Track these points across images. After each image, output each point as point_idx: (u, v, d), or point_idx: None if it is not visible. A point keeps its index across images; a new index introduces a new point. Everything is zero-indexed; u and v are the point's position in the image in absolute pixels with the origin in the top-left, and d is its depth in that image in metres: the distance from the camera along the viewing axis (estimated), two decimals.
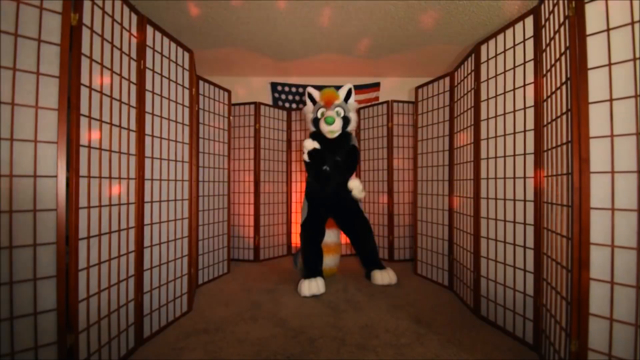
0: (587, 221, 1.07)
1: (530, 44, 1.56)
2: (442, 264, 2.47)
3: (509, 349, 1.54)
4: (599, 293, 1.05)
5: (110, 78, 1.37)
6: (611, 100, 1.04)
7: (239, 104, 3.26)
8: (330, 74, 3.79)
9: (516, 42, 1.64)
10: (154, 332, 1.67)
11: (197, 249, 2.43)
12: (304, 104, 3.88)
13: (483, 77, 1.86)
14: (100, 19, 1.31)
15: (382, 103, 3.31)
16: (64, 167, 1.14)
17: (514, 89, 1.64)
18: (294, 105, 3.89)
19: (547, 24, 1.40)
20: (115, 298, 1.40)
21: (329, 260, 2.55)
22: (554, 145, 1.34)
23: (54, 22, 1.13)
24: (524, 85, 1.58)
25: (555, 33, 1.32)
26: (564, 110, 1.23)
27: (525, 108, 1.57)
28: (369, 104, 3.50)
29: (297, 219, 3.50)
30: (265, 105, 3.30)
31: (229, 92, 2.87)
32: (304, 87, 3.89)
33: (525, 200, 1.57)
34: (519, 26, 1.63)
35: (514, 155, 1.63)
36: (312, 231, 2.45)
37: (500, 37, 1.75)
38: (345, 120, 2.47)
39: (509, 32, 1.69)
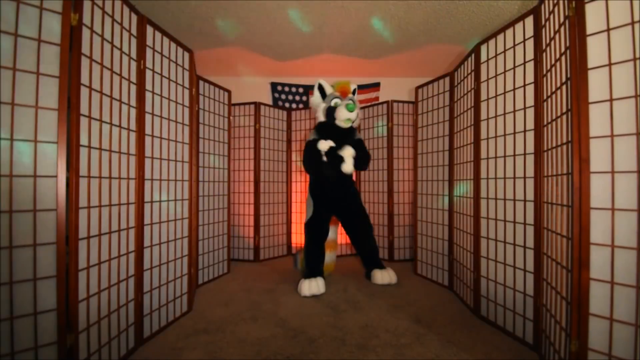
0: (587, 221, 1.07)
1: (530, 44, 1.56)
2: (442, 264, 2.47)
3: (509, 349, 1.54)
4: (599, 293, 1.05)
5: (110, 78, 1.37)
6: (611, 100, 1.04)
7: (239, 104, 3.26)
8: (330, 74, 3.79)
9: (516, 42, 1.64)
10: (154, 332, 1.67)
11: (197, 249, 2.43)
12: (304, 104, 3.90)
13: (483, 77, 1.86)
14: (100, 19, 1.31)
15: (382, 103, 3.31)
16: (64, 167, 1.14)
17: (514, 89, 1.64)
18: (294, 105, 3.89)
19: (547, 24, 1.40)
20: (115, 298, 1.40)
21: (327, 257, 2.55)
22: (554, 145, 1.34)
23: (54, 22, 1.13)
24: (524, 85, 1.58)
25: (555, 33, 1.32)
26: (564, 110, 1.23)
27: (525, 108, 1.57)
28: (369, 104, 3.50)
29: (297, 218, 3.50)
30: (265, 105, 3.30)
31: (229, 92, 2.87)
32: (304, 87, 3.90)
33: (525, 200, 1.57)
34: (519, 26, 1.63)
35: (514, 155, 1.63)
36: (317, 230, 2.44)
37: (500, 37, 1.75)
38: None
39: (509, 32, 1.69)
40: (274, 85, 3.87)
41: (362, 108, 3.46)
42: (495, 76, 1.77)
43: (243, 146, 3.24)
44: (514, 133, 1.63)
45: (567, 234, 1.19)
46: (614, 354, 1.02)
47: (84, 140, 1.22)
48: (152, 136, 1.64)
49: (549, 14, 1.38)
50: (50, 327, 1.11)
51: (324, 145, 2.36)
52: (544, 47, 1.45)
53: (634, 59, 1.00)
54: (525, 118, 1.57)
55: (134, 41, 1.53)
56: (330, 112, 2.41)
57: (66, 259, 1.14)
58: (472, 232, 1.96)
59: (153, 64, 1.66)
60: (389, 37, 2.86)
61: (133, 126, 1.52)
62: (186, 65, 1.96)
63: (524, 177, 1.58)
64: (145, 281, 1.61)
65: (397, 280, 2.48)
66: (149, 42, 1.63)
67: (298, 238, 3.48)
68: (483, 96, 1.86)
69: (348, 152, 2.39)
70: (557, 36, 1.30)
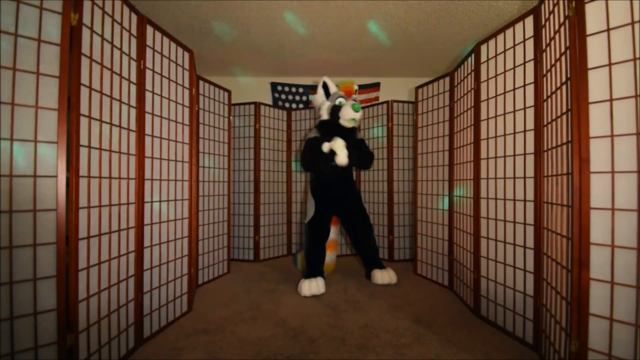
0: (587, 221, 1.07)
1: (530, 44, 1.56)
2: (442, 264, 2.47)
3: (509, 349, 1.54)
4: (599, 293, 1.05)
5: (110, 78, 1.37)
6: (611, 100, 1.04)
7: (239, 104, 3.26)
8: (330, 74, 3.79)
9: (516, 42, 1.64)
10: (154, 332, 1.67)
11: (197, 249, 2.43)
12: (305, 104, 3.90)
13: (483, 77, 1.86)
14: (100, 19, 1.31)
15: (382, 103, 3.31)
16: (64, 167, 1.14)
17: (514, 89, 1.64)
18: (294, 105, 3.89)
19: (547, 24, 1.40)
20: (115, 298, 1.40)
21: (327, 257, 2.55)
22: (554, 145, 1.34)
23: (54, 22, 1.13)
24: (524, 85, 1.58)
25: (555, 33, 1.32)
26: (564, 110, 1.23)
27: (525, 108, 1.57)
28: (369, 104, 3.50)
29: (297, 218, 3.50)
30: (265, 105, 3.30)
31: (229, 92, 2.87)
32: (304, 87, 3.90)
33: (525, 200, 1.57)
34: (519, 26, 1.63)
35: (514, 155, 1.63)
36: (318, 230, 2.44)
37: (500, 37, 1.75)
38: None
39: (509, 32, 1.69)
40: (274, 85, 3.87)
41: (362, 108, 3.46)
42: (495, 76, 1.77)
43: (243, 146, 3.24)
44: (514, 133, 1.63)
45: (567, 234, 1.19)
46: (614, 354, 1.02)
47: (84, 140, 1.22)
48: (152, 136, 1.64)
49: (549, 14, 1.38)
50: (50, 327, 1.11)
51: (340, 145, 2.34)
52: (544, 47, 1.45)
53: (634, 59, 1.00)
54: (525, 118, 1.57)
55: (134, 41, 1.53)
56: (335, 110, 2.40)
57: (66, 259, 1.14)
58: (472, 232, 1.96)
59: (153, 64, 1.66)
60: (386, 40, 2.86)
61: (133, 126, 1.52)
62: (186, 65, 1.96)
63: (524, 177, 1.58)
64: (145, 281, 1.61)
65: (397, 280, 2.48)
66: (149, 42, 1.63)
67: (298, 238, 3.48)
68: (483, 96, 1.86)
69: (339, 144, 2.35)
70: (557, 36, 1.30)
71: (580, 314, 1.08)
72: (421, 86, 2.72)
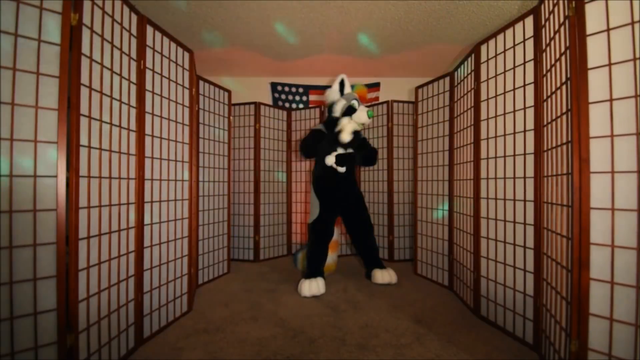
0: (587, 221, 1.07)
1: (530, 44, 1.56)
2: (442, 264, 2.47)
3: (509, 349, 1.54)
4: (599, 293, 1.05)
5: (110, 78, 1.37)
6: (611, 100, 1.04)
7: (239, 104, 3.26)
8: (331, 74, 3.79)
9: (516, 42, 1.64)
10: (154, 332, 1.67)
11: (197, 249, 2.43)
12: (305, 104, 3.89)
13: (483, 77, 1.86)
14: (100, 19, 1.31)
15: (382, 103, 3.31)
16: (64, 167, 1.14)
17: (514, 89, 1.64)
18: (294, 105, 3.89)
19: (547, 24, 1.40)
20: (115, 298, 1.40)
21: (328, 257, 2.55)
22: (554, 145, 1.34)
23: (54, 22, 1.13)
24: (524, 85, 1.58)
25: (555, 33, 1.32)
26: (564, 110, 1.23)
27: (525, 108, 1.57)
28: (369, 104, 3.51)
29: (297, 218, 3.50)
30: (265, 105, 3.30)
31: (229, 92, 2.87)
32: (304, 87, 3.90)
33: (525, 200, 1.57)
34: (519, 26, 1.63)
35: (514, 155, 1.63)
36: (322, 231, 2.44)
37: (500, 37, 1.75)
38: None
39: (509, 32, 1.69)
40: (274, 85, 3.87)
41: None
42: (495, 76, 1.77)
43: (243, 146, 3.24)
44: (514, 133, 1.63)
45: (567, 234, 1.19)
46: (614, 354, 1.02)
47: (84, 140, 1.22)
48: (152, 136, 1.64)
49: (549, 14, 1.38)
50: (50, 327, 1.11)
51: (331, 160, 2.40)
52: (544, 47, 1.45)
53: (634, 59, 1.00)
54: (525, 118, 1.57)
55: (134, 41, 1.53)
56: (349, 111, 2.44)
57: (66, 259, 1.14)
58: (472, 232, 1.96)
59: (153, 64, 1.66)
60: (389, 37, 2.86)
61: (133, 126, 1.52)
62: (186, 65, 1.96)
63: (524, 177, 1.58)
64: (145, 281, 1.61)
65: (397, 280, 2.48)
66: (149, 42, 1.63)
67: (298, 238, 3.48)
68: (483, 96, 1.86)
69: (346, 123, 2.43)
70: (557, 36, 1.30)
71: (580, 314, 1.08)
72: (421, 86, 2.72)
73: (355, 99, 2.48)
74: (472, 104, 1.98)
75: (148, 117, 1.61)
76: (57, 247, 1.12)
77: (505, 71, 1.70)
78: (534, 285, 1.52)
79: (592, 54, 1.09)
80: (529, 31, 1.56)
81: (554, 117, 1.34)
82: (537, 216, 1.49)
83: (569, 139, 1.17)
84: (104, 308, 1.33)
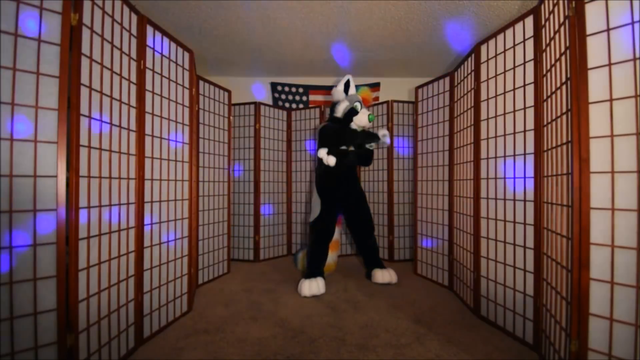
0: (587, 221, 1.07)
1: (530, 44, 1.56)
2: (442, 264, 2.47)
3: (509, 349, 1.54)
4: (599, 293, 1.05)
5: (110, 78, 1.37)
6: (611, 100, 1.04)
7: (239, 104, 3.26)
8: (330, 74, 3.79)
9: (516, 42, 1.64)
10: (154, 332, 1.67)
11: (197, 249, 2.43)
12: (305, 104, 3.89)
13: (483, 77, 1.86)
14: (100, 19, 1.31)
15: (382, 103, 3.31)
16: (64, 167, 1.14)
17: (514, 89, 1.64)
18: (294, 105, 3.89)
19: (547, 24, 1.40)
20: (115, 298, 1.40)
21: (328, 257, 2.55)
22: (554, 145, 1.34)
23: (54, 22, 1.13)
24: (524, 85, 1.58)
25: (555, 33, 1.32)
26: (564, 110, 1.23)
27: (525, 108, 1.57)
28: (369, 104, 3.50)
29: (297, 218, 3.50)
30: (265, 105, 3.30)
31: (229, 92, 2.87)
32: (304, 87, 3.89)
33: (525, 200, 1.57)
34: (519, 26, 1.63)
35: (514, 155, 1.63)
36: (323, 231, 2.43)
37: (500, 37, 1.75)
38: None
39: (509, 32, 1.69)
40: (274, 85, 3.86)
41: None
42: (495, 76, 1.77)
43: (243, 146, 3.24)
44: (514, 133, 1.63)
45: (567, 234, 1.19)
46: (614, 354, 1.02)
47: (84, 140, 1.22)
48: (152, 136, 1.64)
49: (549, 14, 1.38)
50: (50, 327, 1.11)
51: (332, 160, 2.40)
52: (543, 47, 1.45)
53: (634, 59, 1.00)
54: (525, 118, 1.57)
55: (134, 41, 1.53)
56: (350, 113, 2.48)
57: (66, 259, 1.14)
58: (472, 232, 1.96)
59: (153, 64, 1.66)
60: (389, 37, 2.86)
61: (133, 126, 1.52)
62: (186, 65, 1.96)
63: (524, 177, 1.58)
64: (145, 281, 1.61)
65: (397, 280, 2.48)
66: (149, 42, 1.63)
67: (298, 238, 3.48)
68: (483, 96, 1.86)
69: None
70: (557, 36, 1.30)
71: (580, 314, 1.08)
72: (421, 86, 2.73)
73: (358, 101, 2.50)
74: (472, 104, 1.98)
75: (148, 117, 1.61)
76: (57, 247, 1.12)
77: (505, 71, 1.70)
78: (534, 285, 1.52)
79: (592, 54, 1.09)
80: (529, 31, 1.56)
81: (554, 117, 1.34)
82: (537, 216, 1.49)
83: (569, 139, 1.17)
84: (104, 308, 1.33)
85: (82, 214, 1.21)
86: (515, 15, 2.44)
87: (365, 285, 2.45)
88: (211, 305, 2.08)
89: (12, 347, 1.03)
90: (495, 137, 1.76)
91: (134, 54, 1.53)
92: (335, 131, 2.45)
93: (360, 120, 2.47)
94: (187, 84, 1.95)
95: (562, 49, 1.24)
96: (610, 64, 1.05)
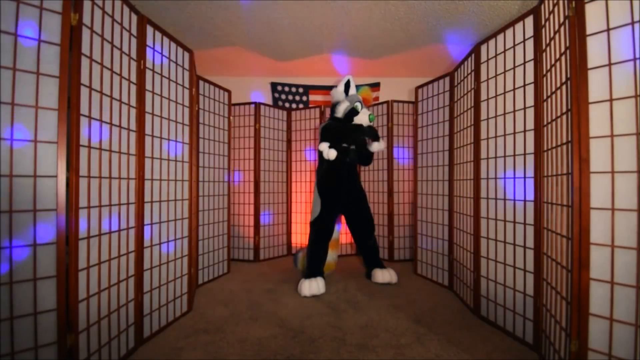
0: (587, 221, 1.07)
1: (530, 44, 1.56)
2: (442, 264, 2.47)
3: (509, 349, 1.54)
4: (599, 293, 1.05)
5: (110, 78, 1.37)
6: (611, 100, 1.04)
7: (239, 104, 3.26)
8: (330, 74, 3.79)
9: (516, 42, 1.64)
10: (154, 332, 1.67)
11: (197, 249, 2.43)
12: (304, 103, 3.89)
13: (483, 77, 1.86)
14: (100, 19, 1.31)
15: (382, 103, 3.31)
16: (64, 167, 1.14)
17: (514, 89, 1.64)
18: (294, 105, 3.89)
19: (547, 24, 1.40)
20: (115, 298, 1.40)
21: (329, 256, 2.55)
22: (554, 145, 1.34)
23: (54, 22, 1.13)
24: (524, 85, 1.58)
25: (555, 33, 1.32)
26: (564, 110, 1.23)
27: (525, 108, 1.57)
28: (370, 104, 3.50)
29: (297, 218, 3.50)
30: (265, 105, 3.30)
31: (229, 92, 2.87)
32: (304, 87, 3.89)
33: (525, 200, 1.57)
34: (519, 26, 1.62)
35: (514, 155, 1.63)
36: (323, 229, 2.43)
37: (500, 37, 1.75)
38: None
39: (509, 32, 1.69)
40: (274, 85, 3.86)
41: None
42: (495, 76, 1.77)
43: (243, 146, 3.24)
44: (514, 133, 1.63)
45: (567, 234, 1.19)
46: (614, 354, 1.02)
47: (84, 140, 1.22)
48: (152, 136, 1.64)
49: (549, 14, 1.38)
50: (50, 327, 1.11)
51: (333, 154, 2.40)
52: (543, 47, 1.45)
53: (634, 59, 1.00)
54: (525, 118, 1.57)
55: (134, 41, 1.53)
56: (351, 113, 2.48)
57: (66, 259, 1.14)
58: (472, 232, 1.96)
59: (153, 64, 1.66)
60: (389, 37, 2.86)
61: (133, 126, 1.52)
62: (186, 65, 1.96)
63: (524, 177, 1.58)
64: (145, 281, 1.61)
65: (397, 280, 2.48)
66: (149, 42, 1.63)
67: (298, 238, 3.48)
68: (483, 96, 1.86)
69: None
70: (557, 36, 1.30)
71: (580, 314, 1.08)
72: (421, 86, 2.73)
73: (359, 102, 2.51)
74: (472, 104, 1.98)
75: (148, 117, 1.61)
76: (57, 247, 1.12)
77: (505, 71, 1.70)
78: (534, 285, 1.52)
79: (592, 54, 1.09)
80: (529, 31, 1.56)
81: (554, 117, 1.34)
82: (537, 216, 1.49)
83: (569, 139, 1.17)
84: (104, 308, 1.33)
85: (82, 214, 1.21)
86: (515, 15, 2.44)
87: (365, 285, 2.45)
88: (211, 305, 2.08)
89: (12, 347, 1.03)
90: (495, 137, 1.76)
91: (134, 54, 1.53)
92: (337, 127, 2.46)
93: (361, 120, 2.48)
94: (187, 84, 1.95)
95: (562, 49, 1.24)
96: (610, 64, 1.05)
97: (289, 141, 3.50)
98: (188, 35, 2.79)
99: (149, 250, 1.62)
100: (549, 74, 1.39)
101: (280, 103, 3.87)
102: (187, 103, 1.95)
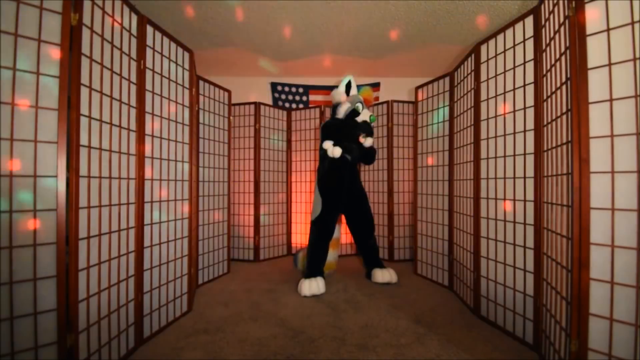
0: (587, 221, 1.07)
1: (530, 44, 1.56)
2: (442, 264, 2.47)
3: (509, 349, 1.54)
4: (599, 293, 1.05)
5: (110, 78, 1.37)
6: (611, 100, 1.04)
7: (239, 104, 3.26)
8: (330, 74, 3.79)
9: (516, 42, 1.64)
10: (154, 332, 1.67)
11: (197, 249, 2.43)
12: (305, 103, 3.89)
13: (483, 77, 1.86)
14: (100, 19, 1.31)
15: (382, 103, 3.31)
16: (64, 167, 1.14)
17: (514, 89, 1.64)
18: (294, 105, 3.89)
19: (547, 24, 1.40)
20: (115, 298, 1.40)
21: (329, 256, 2.55)
22: (554, 145, 1.34)
23: (54, 22, 1.13)
24: (524, 85, 1.58)
25: (555, 33, 1.32)
26: (564, 110, 1.23)
27: (525, 108, 1.57)
28: (370, 104, 3.50)
29: (297, 218, 3.50)
30: (265, 105, 3.30)
31: (229, 92, 2.87)
32: (304, 87, 3.89)
33: (525, 201, 1.57)
34: (519, 26, 1.62)
35: (514, 155, 1.63)
36: (324, 229, 2.43)
37: (500, 37, 1.75)
38: None
39: (509, 32, 1.69)
40: (274, 85, 3.86)
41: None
42: (495, 76, 1.77)
43: (243, 146, 3.24)
44: (514, 133, 1.63)
45: (567, 234, 1.19)
46: (614, 354, 1.02)
47: (84, 140, 1.22)
48: (152, 136, 1.64)
49: (549, 14, 1.38)
50: (50, 327, 1.11)
51: (338, 151, 2.40)
52: (543, 47, 1.45)
53: (634, 59, 1.00)
54: (525, 118, 1.57)
55: (134, 41, 1.53)
56: (352, 114, 2.49)
57: (66, 259, 1.14)
58: (472, 232, 1.96)
59: (153, 64, 1.66)
60: (389, 37, 2.86)
61: (133, 126, 1.52)
62: (186, 65, 1.95)
63: (524, 177, 1.58)
64: (145, 281, 1.61)
65: (397, 280, 2.48)
66: (149, 42, 1.63)
67: (298, 238, 3.48)
68: (483, 96, 1.86)
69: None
70: (557, 36, 1.30)
71: (580, 314, 1.08)
72: (421, 86, 2.72)
73: (360, 102, 2.51)
74: (472, 104, 1.98)
75: (148, 117, 1.61)
76: (57, 247, 1.12)
77: (505, 71, 1.70)
78: (534, 285, 1.52)
79: (592, 54, 1.09)
80: (529, 31, 1.56)
81: (554, 117, 1.34)
82: (537, 216, 1.49)
83: (569, 139, 1.17)
84: (104, 308, 1.33)
85: (82, 214, 1.21)
86: (515, 15, 2.44)
87: (365, 285, 2.45)
88: (211, 305, 2.08)
89: (12, 347, 1.03)
90: (495, 137, 1.76)
91: (134, 54, 1.53)
92: (337, 125, 2.48)
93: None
94: (187, 84, 1.95)
95: (562, 49, 1.24)
96: (610, 64, 1.05)
97: (289, 141, 3.50)
98: (188, 35, 2.79)
99: (149, 250, 1.62)
100: (549, 74, 1.39)
101: (280, 103, 3.87)
102: (187, 103, 1.95)
